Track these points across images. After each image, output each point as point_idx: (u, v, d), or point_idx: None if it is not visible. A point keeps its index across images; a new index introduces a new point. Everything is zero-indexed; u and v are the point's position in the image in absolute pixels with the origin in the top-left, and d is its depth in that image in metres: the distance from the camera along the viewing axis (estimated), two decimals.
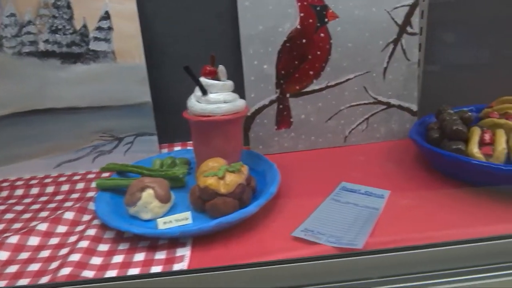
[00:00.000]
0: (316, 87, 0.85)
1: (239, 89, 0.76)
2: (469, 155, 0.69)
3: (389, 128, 0.90)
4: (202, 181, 0.63)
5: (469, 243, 0.51)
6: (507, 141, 0.69)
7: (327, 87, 0.86)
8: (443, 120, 0.76)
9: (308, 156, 0.87)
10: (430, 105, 0.88)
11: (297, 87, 0.85)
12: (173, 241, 0.59)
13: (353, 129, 0.89)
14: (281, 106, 0.85)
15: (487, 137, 0.70)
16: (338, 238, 0.55)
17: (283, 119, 0.86)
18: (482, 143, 0.70)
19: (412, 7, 0.84)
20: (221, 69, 0.71)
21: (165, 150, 0.89)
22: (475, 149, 0.69)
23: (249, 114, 0.84)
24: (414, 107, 0.89)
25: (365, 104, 0.88)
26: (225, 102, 0.69)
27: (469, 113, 0.78)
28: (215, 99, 0.69)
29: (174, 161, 0.78)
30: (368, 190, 0.70)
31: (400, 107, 0.89)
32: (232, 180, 0.62)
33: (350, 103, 0.87)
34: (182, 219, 0.61)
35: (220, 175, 0.62)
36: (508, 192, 0.65)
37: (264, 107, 0.85)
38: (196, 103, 0.70)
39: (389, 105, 0.89)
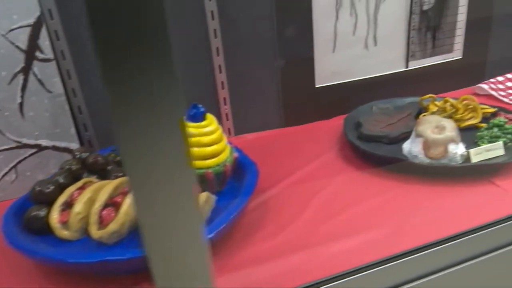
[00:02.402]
0: None
1: None
2: (49, 223, 0.54)
3: (50, 174, 0.74)
4: None
5: None
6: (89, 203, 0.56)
7: None
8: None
9: None
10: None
11: None
12: None
13: None
14: None
15: (75, 194, 0.56)
16: None
17: None
18: (68, 204, 0.56)
19: (35, 28, 0.68)
20: None
21: None
22: (54, 215, 0.54)
23: None
24: (75, 146, 0.74)
25: (5, 150, 0.71)
26: None
27: (99, 158, 0.64)
28: None
29: None
30: None
31: (55, 148, 0.74)
32: None
33: None
34: None
35: None
36: None
37: None
38: None
39: (40, 148, 0.73)
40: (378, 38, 0.95)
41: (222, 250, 0.58)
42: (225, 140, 0.64)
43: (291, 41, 0.89)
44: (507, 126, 0.71)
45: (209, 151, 0.61)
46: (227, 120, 0.90)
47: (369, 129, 0.80)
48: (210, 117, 0.63)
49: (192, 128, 0.60)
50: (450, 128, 0.66)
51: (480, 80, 1.07)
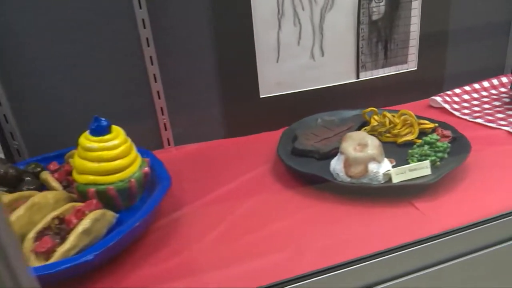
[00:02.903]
0: None
1: None
2: None
3: None
4: None
5: None
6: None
7: None
8: None
9: None
10: None
11: None
12: None
13: None
14: None
15: None
16: None
17: None
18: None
19: None
20: None
21: None
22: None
23: None
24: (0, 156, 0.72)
25: None
26: None
27: (11, 170, 0.62)
28: None
29: None
30: None
31: None
32: None
33: None
34: None
35: None
36: None
37: None
38: None
39: None
40: (325, 48, 0.92)
41: (117, 270, 0.55)
42: (133, 154, 0.62)
43: (231, 50, 0.87)
44: (438, 144, 0.68)
45: (111, 166, 0.58)
46: (166, 130, 0.88)
47: (302, 143, 0.77)
48: (116, 130, 0.60)
49: (93, 142, 0.57)
50: (372, 146, 0.63)
51: (437, 92, 1.04)
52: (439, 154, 0.67)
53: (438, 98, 0.97)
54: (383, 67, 0.99)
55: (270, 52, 0.89)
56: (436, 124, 0.78)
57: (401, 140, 0.75)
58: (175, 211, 0.66)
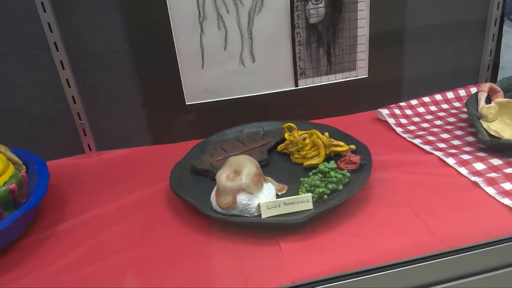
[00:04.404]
0: None
1: None
2: None
3: None
4: None
5: None
6: None
7: None
8: None
9: None
10: None
11: None
12: None
13: None
14: None
15: None
16: None
17: None
18: None
19: None
20: None
21: None
22: None
23: None
24: None
25: None
26: None
27: None
28: None
29: None
30: None
31: None
32: None
33: None
34: None
35: None
36: None
37: None
38: None
39: None
40: (256, 54, 0.85)
41: None
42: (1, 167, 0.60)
43: (150, 55, 0.82)
44: (332, 173, 0.60)
45: None
46: (86, 135, 0.86)
47: (202, 160, 0.72)
48: None
49: None
50: (246, 174, 0.57)
51: (393, 102, 0.94)
52: (330, 186, 0.60)
53: (384, 111, 0.88)
54: (327, 74, 0.90)
55: (193, 58, 0.83)
56: (352, 147, 0.70)
57: (306, 163, 0.68)
58: (49, 228, 0.64)
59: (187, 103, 0.87)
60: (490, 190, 0.60)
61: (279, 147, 0.75)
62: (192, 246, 0.58)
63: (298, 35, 0.85)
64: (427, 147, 0.74)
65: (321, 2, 0.84)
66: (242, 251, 0.56)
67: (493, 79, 0.97)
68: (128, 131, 0.89)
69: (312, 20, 0.85)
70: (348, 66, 0.91)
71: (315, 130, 0.69)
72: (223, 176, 0.58)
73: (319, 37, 0.86)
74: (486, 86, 0.84)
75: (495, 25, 0.92)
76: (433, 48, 0.94)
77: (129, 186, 0.74)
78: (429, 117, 0.87)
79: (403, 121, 0.86)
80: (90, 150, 0.87)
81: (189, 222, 0.63)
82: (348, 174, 0.62)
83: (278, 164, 0.73)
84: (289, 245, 0.55)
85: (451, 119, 0.85)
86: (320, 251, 0.54)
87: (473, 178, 0.63)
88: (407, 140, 0.78)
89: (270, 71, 0.87)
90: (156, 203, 0.69)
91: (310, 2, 0.83)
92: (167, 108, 0.88)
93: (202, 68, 0.84)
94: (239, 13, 0.82)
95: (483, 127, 0.74)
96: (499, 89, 0.84)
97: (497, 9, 0.91)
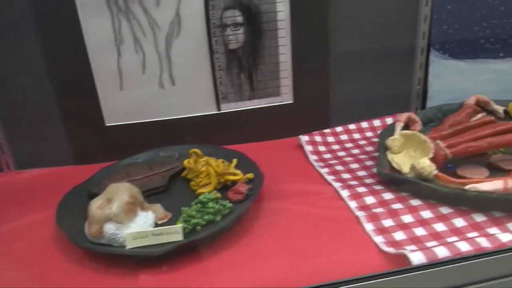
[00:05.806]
0: None
1: None
2: None
3: None
4: None
5: None
6: None
7: None
8: None
9: None
10: None
11: None
12: None
13: None
14: None
15: None
16: None
17: None
18: None
19: None
20: None
21: None
22: None
23: None
24: None
25: None
26: None
27: None
28: None
29: None
30: None
31: None
32: None
33: None
34: None
35: None
36: None
37: None
38: None
39: None
40: (176, 77, 0.85)
41: None
42: None
43: (66, 74, 0.82)
44: (209, 204, 0.60)
45: None
46: (3, 153, 0.86)
47: (102, 184, 0.72)
48: None
49: None
50: (116, 203, 0.57)
51: (320, 128, 0.93)
52: (207, 217, 0.59)
53: (304, 138, 0.87)
54: (250, 99, 0.90)
55: (111, 79, 0.84)
56: (248, 176, 0.69)
57: (198, 191, 0.67)
58: None
59: (107, 124, 0.87)
60: (368, 227, 0.59)
61: (183, 173, 0.75)
62: (65, 277, 0.57)
63: (218, 60, 0.85)
64: (329, 178, 0.73)
65: (239, 29, 0.84)
66: (105, 282, 0.55)
67: (423, 107, 0.97)
68: (49, 151, 0.89)
69: (232, 46, 0.85)
70: (272, 92, 0.90)
71: (209, 158, 0.69)
72: (95, 204, 0.58)
73: (239, 63, 0.86)
74: (404, 116, 0.83)
75: (421, 54, 0.92)
76: (362, 76, 0.94)
77: (26, 208, 0.73)
78: (349, 145, 0.86)
79: (321, 148, 0.85)
80: (9, 168, 0.88)
81: (67, 251, 0.61)
82: (229, 205, 0.61)
83: (178, 191, 0.73)
84: (149, 278, 0.54)
85: (369, 148, 0.84)
86: (178, 284, 0.53)
87: (357, 213, 0.62)
88: (315, 169, 0.78)
89: (191, 94, 0.88)
90: (45, 228, 0.67)
91: (228, 29, 0.84)
92: (86, 128, 0.88)
93: (121, 90, 0.85)
94: (157, 37, 0.82)
95: (387, 159, 0.73)
96: (417, 119, 0.83)
97: (423, 39, 0.91)
